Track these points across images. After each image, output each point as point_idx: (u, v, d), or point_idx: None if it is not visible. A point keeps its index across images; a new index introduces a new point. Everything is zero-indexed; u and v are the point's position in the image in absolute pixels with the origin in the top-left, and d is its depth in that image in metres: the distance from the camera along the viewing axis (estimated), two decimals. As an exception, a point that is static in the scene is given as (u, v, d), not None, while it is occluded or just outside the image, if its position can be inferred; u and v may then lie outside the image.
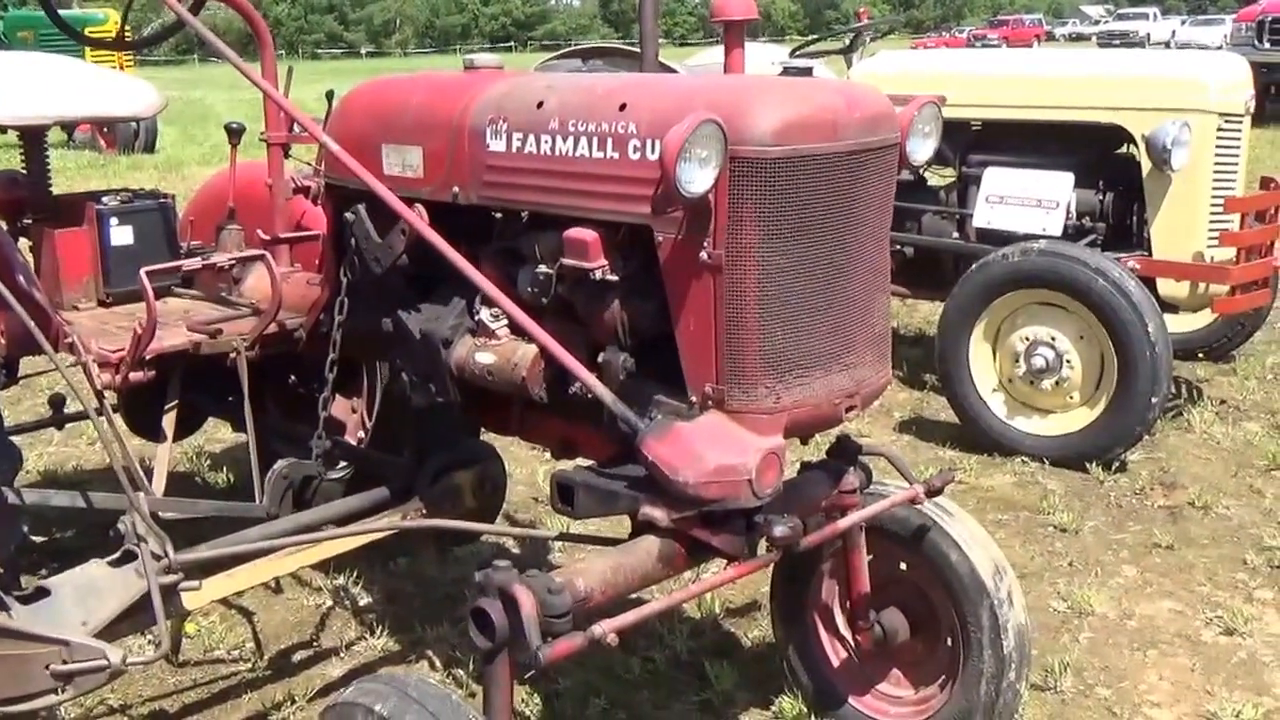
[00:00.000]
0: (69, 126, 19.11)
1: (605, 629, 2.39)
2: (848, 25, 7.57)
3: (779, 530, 2.63)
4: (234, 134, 4.39)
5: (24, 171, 4.33)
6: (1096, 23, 73.86)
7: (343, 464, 4.01)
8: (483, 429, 3.77)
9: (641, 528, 2.75)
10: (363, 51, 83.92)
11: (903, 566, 3.25)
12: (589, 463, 3.00)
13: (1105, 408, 5.41)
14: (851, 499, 3.03)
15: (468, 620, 2.48)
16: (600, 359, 2.84)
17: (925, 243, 6.53)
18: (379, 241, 3.22)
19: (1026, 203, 5.98)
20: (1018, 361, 5.60)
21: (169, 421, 3.86)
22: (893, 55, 7.06)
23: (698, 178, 2.43)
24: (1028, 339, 5.57)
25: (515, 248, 3.00)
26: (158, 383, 3.85)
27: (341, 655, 4.03)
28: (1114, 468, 5.44)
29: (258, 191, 4.19)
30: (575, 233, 2.71)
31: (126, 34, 4.83)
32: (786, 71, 2.73)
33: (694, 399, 2.63)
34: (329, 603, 4.37)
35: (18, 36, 20.33)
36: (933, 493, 3.07)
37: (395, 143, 3.17)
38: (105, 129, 19.82)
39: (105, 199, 4.20)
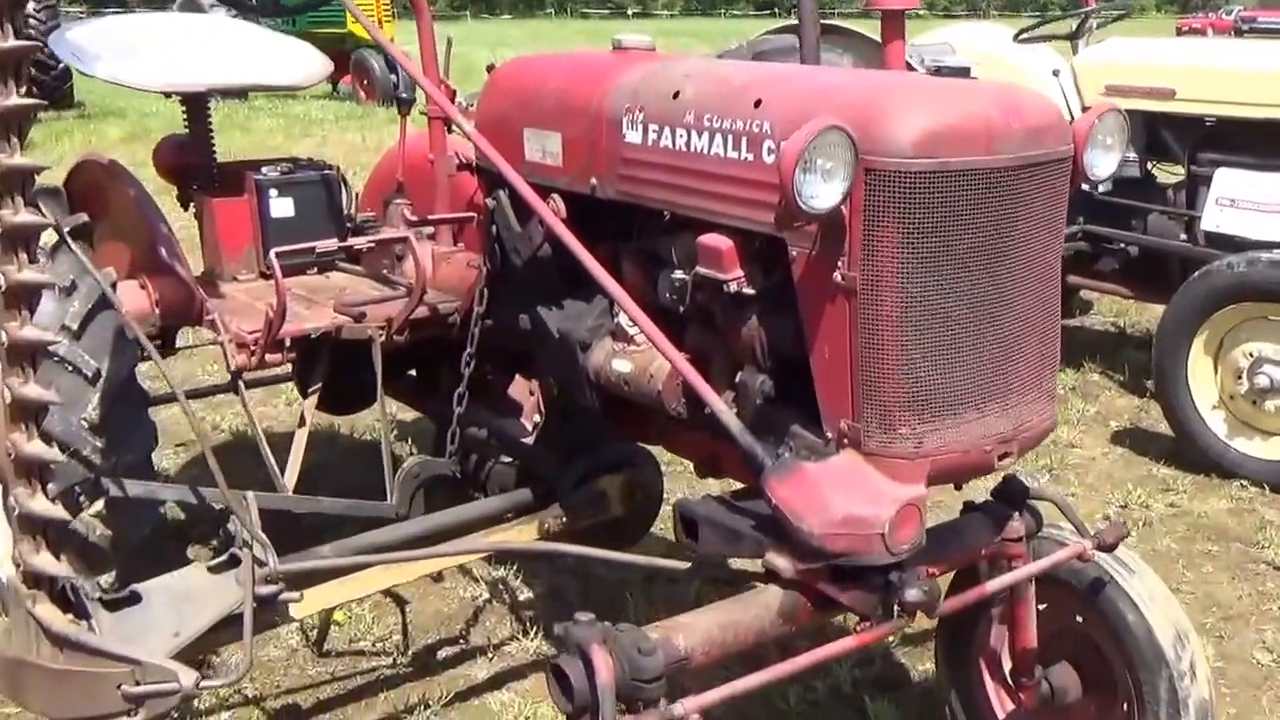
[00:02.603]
0: (334, 81, 19.26)
1: (687, 709, 2.14)
2: (1073, 9, 7.03)
3: (911, 594, 2.33)
4: (403, 104, 4.23)
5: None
6: (1387, 4, 68.68)
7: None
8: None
9: (767, 574, 2.48)
10: (629, 12, 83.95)
11: (1078, 618, 2.90)
12: (727, 489, 2.77)
13: (1337, 435, 4.92)
14: (1016, 548, 2.70)
15: (548, 675, 2.26)
16: (738, 379, 2.60)
17: (1150, 243, 6.14)
18: (519, 231, 3.04)
19: (1260, 207, 5.51)
20: (1240, 379, 5.17)
21: (308, 406, 3.74)
22: (1119, 43, 6.51)
23: (821, 192, 2.15)
24: (1252, 355, 5.13)
25: (654, 248, 2.79)
26: (303, 362, 3.72)
27: (489, 655, 3.87)
28: (1344, 501, 4.94)
29: (426, 165, 3.99)
30: (709, 239, 2.48)
31: None
32: (939, 72, 2.42)
33: (829, 435, 2.37)
34: (486, 595, 4.20)
35: None
36: (1104, 548, 2.71)
37: (536, 127, 2.99)
38: (364, 81, 20.14)
39: (265, 169, 4.08)
